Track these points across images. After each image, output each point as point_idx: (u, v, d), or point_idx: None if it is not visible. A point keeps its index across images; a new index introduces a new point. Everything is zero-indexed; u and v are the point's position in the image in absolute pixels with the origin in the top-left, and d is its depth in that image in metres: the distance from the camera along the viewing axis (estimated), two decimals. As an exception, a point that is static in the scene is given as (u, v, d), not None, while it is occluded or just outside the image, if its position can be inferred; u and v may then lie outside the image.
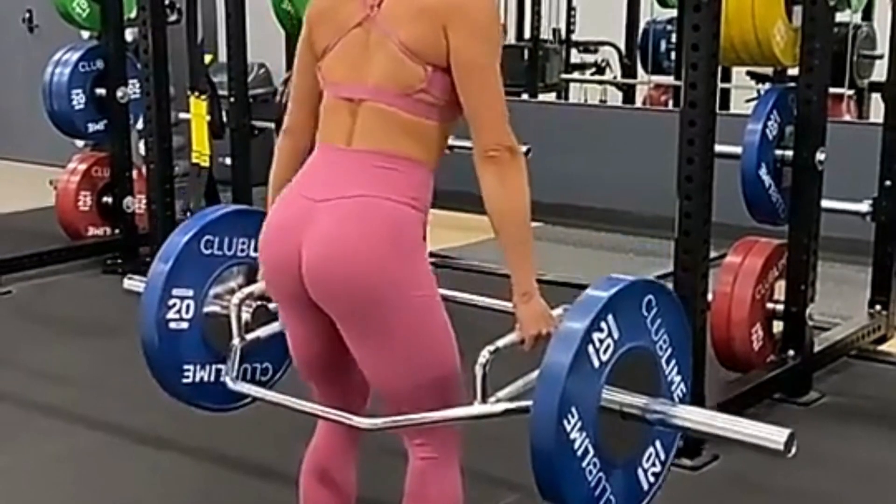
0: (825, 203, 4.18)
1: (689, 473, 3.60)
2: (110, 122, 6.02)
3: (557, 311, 2.38)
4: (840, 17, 5.56)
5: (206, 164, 5.52)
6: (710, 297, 3.85)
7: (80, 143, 6.75)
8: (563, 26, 8.98)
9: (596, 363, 2.19)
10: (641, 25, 8.60)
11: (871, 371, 4.54)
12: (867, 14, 7.49)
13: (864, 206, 4.52)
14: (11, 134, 8.98)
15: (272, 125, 5.59)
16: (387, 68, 2.34)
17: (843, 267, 5.50)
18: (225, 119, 5.86)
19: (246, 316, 2.71)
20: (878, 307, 4.72)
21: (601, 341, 2.19)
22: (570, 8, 8.95)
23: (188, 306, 2.75)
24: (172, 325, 2.74)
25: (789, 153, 4.11)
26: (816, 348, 4.29)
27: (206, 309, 2.78)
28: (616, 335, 2.22)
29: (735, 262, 4.17)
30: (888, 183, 4.55)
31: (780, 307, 4.18)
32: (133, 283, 3.01)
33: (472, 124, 2.32)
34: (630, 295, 2.26)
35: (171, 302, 2.73)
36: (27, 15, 8.73)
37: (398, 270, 2.28)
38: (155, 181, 4.92)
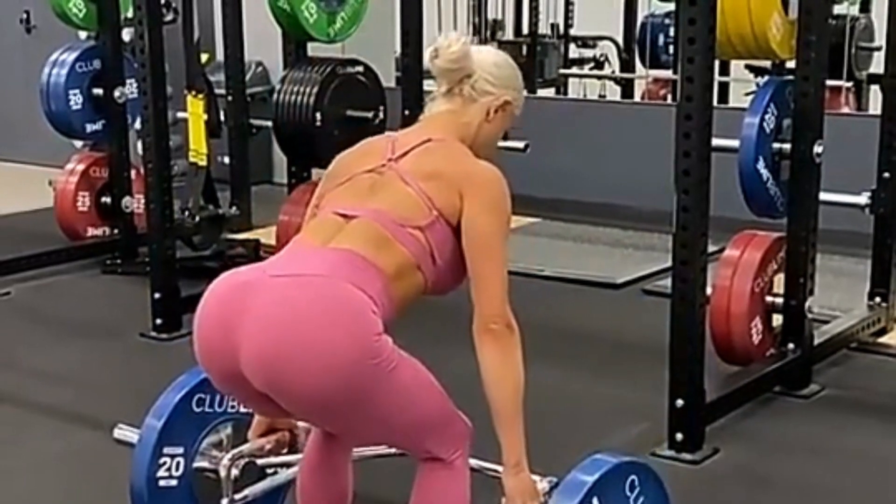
0: (824, 196, 4.17)
1: (691, 467, 3.59)
2: (108, 122, 6.01)
3: (542, 485, 2.45)
4: (838, 8, 5.57)
5: (204, 163, 5.51)
6: (708, 290, 3.85)
7: (78, 143, 6.75)
8: (561, 21, 8.99)
9: None
10: (639, 20, 8.60)
11: (871, 363, 4.53)
12: (865, 6, 7.49)
13: (863, 199, 4.50)
14: (9, 135, 8.97)
15: (270, 124, 5.59)
16: (393, 200, 2.40)
17: (842, 259, 5.49)
18: (222, 118, 5.86)
19: (235, 472, 2.71)
20: (877, 299, 4.72)
21: None
22: (567, 3, 8.97)
23: (178, 464, 2.75)
24: (162, 482, 2.73)
25: (787, 146, 4.10)
26: (816, 341, 4.28)
27: (196, 464, 2.77)
28: None
29: (734, 255, 4.16)
30: (887, 175, 4.54)
31: (780, 300, 4.18)
32: (124, 433, 3.02)
33: (476, 291, 2.38)
34: (614, 477, 2.33)
35: (161, 460, 2.73)
36: (24, 15, 8.72)
37: (355, 350, 2.21)
38: (153, 181, 4.92)
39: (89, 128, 6.05)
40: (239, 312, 2.25)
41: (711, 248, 3.71)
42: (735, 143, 4.08)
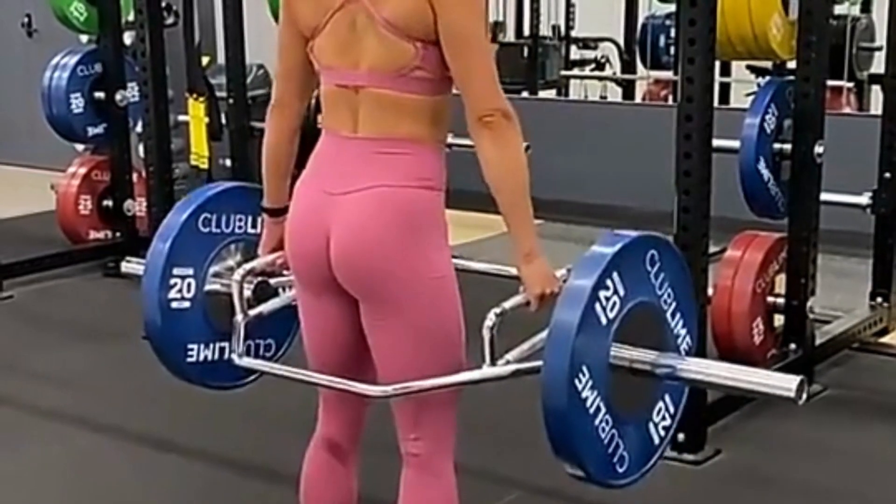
0: (825, 196, 4.17)
1: (692, 468, 3.60)
2: (109, 125, 6.02)
3: (560, 272, 2.38)
4: (839, 9, 5.58)
5: (206, 165, 5.52)
6: (710, 291, 3.85)
7: (79, 146, 6.76)
8: (562, 23, 8.98)
9: (603, 320, 2.19)
10: (640, 21, 8.59)
11: (872, 363, 4.53)
12: (866, 6, 7.49)
13: (864, 199, 4.51)
14: (11, 138, 8.98)
15: (265, 125, 5.58)
16: (377, 51, 2.33)
17: (843, 259, 5.49)
18: (223, 121, 5.87)
19: (247, 292, 2.70)
20: (879, 299, 4.72)
21: (607, 299, 2.20)
22: (568, 4, 8.95)
23: (189, 285, 2.74)
24: (174, 304, 2.73)
25: (788, 146, 4.11)
26: (818, 341, 4.28)
27: (208, 287, 2.76)
28: (622, 292, 2.22)
29: (735, 256, 4.17)
30: (888, 175, 4.54)
31: (781, 301, 4.18)
32: (132, 266, 3.00)
33: (464, 92, 2.31)
34: (633, 251, 2.27)
35: (172, 281, 2.72)
36: (26, 19, 8.73)
37: (413, 257, 2.32)
38: (155, 184, 4.93)
39: (91, 131, 6.06)
40: (322, 227, 2.36)
41: (713, 249, 3.72)
42: (736, 143, 4.09)
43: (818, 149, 4.04)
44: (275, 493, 3.45)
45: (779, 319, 4.23)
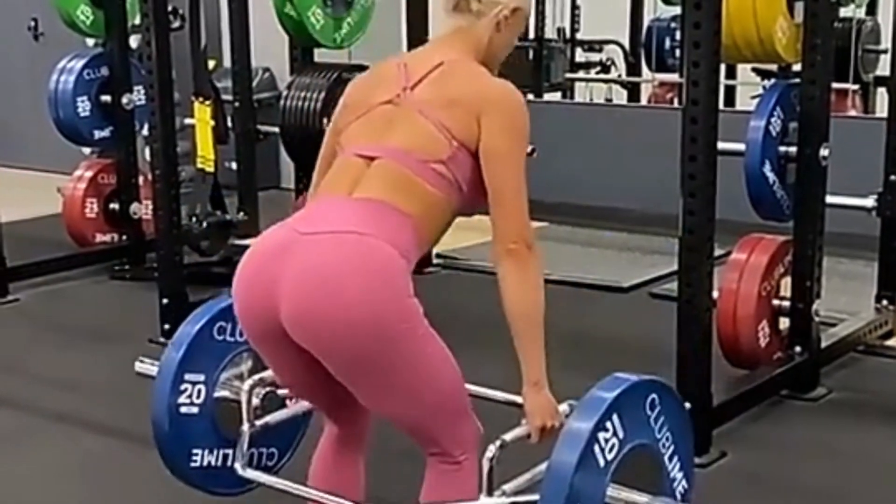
0: (830, 199, 4.18)
1: (698, 471, 3.58)
2: (116, 128, 6.03)
3: (563, 407, 2.45)
4: (844, 11, 5.57)
5: (212, 169, 5.52)
6: (715, 294, 3.85)
7: (86, 150, 6.77)
8: (567, 25, 8.98)
9: (601, 462, 2.22)
10: (645, 23, 8.59)
11: (878, 366, 4.53)
12: (871, 8, 7.49)
13: (870, 202, 4.50)
14: (18, 142, 9.00)
15: (277, 129, 5.60)
16: (412, 136, 2.38)
17: (849, 262, 5.49)
18: (230, 124, 5.87)
19: (256, 401, 2.74)
20: (884, 302, 4.71)
21: (606, 440, 2.23)
22: (574, 7, 8.95)
23: (199, 391, 2.79)
24: (183, 409, 2.77)
25: (793, 149, 4.11)
26: (823, 344, 4.28)
27: (217, 394, 2.80)
28: (621, 434, 2.25)
29: (740, 258, 4.17)
30: (893, 177, 4.53)
31: (787, 303, 4.18)
32: (145, 366, 3.05)
33: (494, 214, 2.37)
34: (634, 394, 2.30)
35: (182, 387, 2.76)
36: (32, 23, 8.75)
37: (389, 309, 2.26)
38: (161, 187, 4.93)
39: (97, 134, 6.07)
40: (277, 273, 2.29)
41: (718, 252, 3.71)
42: (741, 146, 4.09)
43: (823, 151, 4.04)
44: (281, 497, 3.44)
45: (784, 322, 4.23)
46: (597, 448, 2.21)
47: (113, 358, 4.82)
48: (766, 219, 4.22)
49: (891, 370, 4.50)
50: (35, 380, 4.60)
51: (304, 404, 2.77)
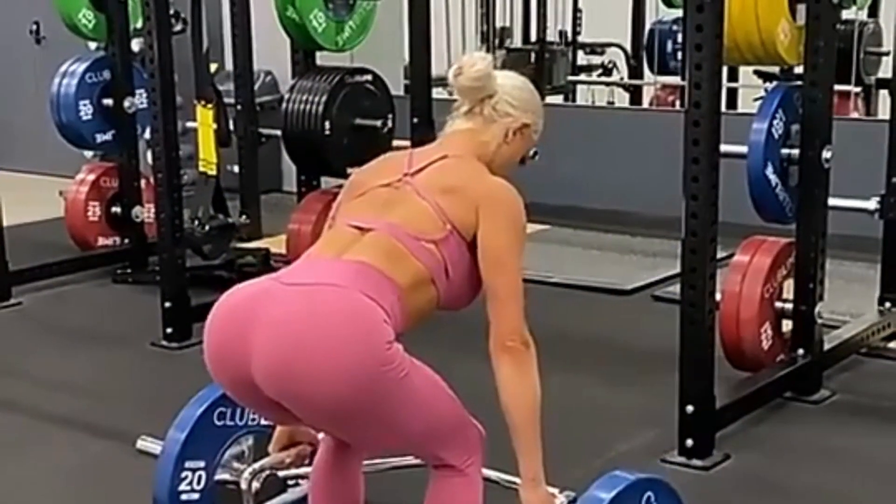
0: (833, 201, 4.17)
1: (701, 473, 3.59)
2: (118, 132, 6.03)
3: (560, 499, 2.49)
4: (846, 14, 5.57)
5: (214, 172, 5.53)
6: (718, 296, 3.85)
7: (88, 153, 6.77)
8: (569, 28, 8.99)
9: None
10: (647, 26, 8.60)
11: (881, 368, 4.52)
12: (873, 10, 7.49)
13: (872, 204, 4.50)
14: (20, 145, 9.00)
15: (279, 133, 5.60)
16: (408, 213, 2.41)
17: (851, 264, 5.49)
18: (232, 127, 5.88)
19: (256, 485, 2.73)
20: (887, 304, 4.71)
21: None
22: (575, 10, 8.96)
23: (200, 477, 2.78)
24: (184, 496, 2.77)
25: (796, 152, 4.10)
26: (826, 346, 4.27)
27: (217, 476, 2.80)
28: None
29: (743, 261, 4.16)
30: (895, 180, 4.53)
31: (789, 306, 4.17)
32: (147, 444, 3.06)
33: (491, 310, 2.39)
34: (631, 493, 2.32)
35: (183, 474, 2.76)
36: (34, 27, 8.75)
37: (369, 358, 2.22)
38: (163, 190, 4.93)
39: (99, 138, 6.07)
40: (250, 321, 2.26)
41: (720, 254, 3.71)
42: (743, 148, 4.08)
43: (826, 154, 4.04)
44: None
45: (787, 325, 4.23)
46: None
47: (115, 361, 4.82)
48: (768, 221, 4.22)
49: (894, 373, 4.50)
50: (37, 383, 4.59)
51: (306, 487, 2.74)
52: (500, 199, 2.44)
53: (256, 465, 2.72)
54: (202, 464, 2.77)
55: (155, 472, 2.80)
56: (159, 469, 2.78)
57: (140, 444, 3.10)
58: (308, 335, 2.21)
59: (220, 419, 2.79)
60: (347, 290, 2.27)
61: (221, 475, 2.80)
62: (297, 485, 2.83)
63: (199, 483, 2.78)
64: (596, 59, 9.21)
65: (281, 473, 2.76)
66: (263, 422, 2.78)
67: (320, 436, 2.66)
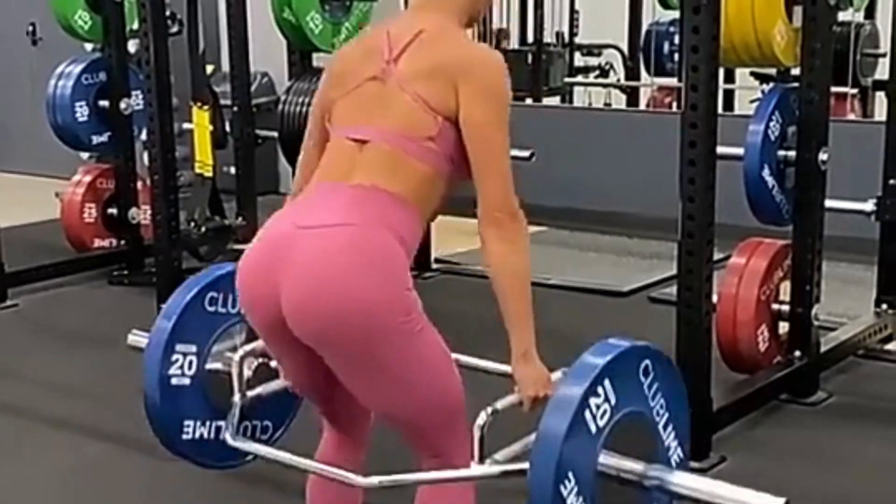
0: (829, 203, 4.17)
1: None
2: (114, 133, 6.03)
3: (556, 374, 2.42)
4: (842, 15, 5.57)
5: (210, 174, 5.53)
6: (714, 298, 3.85)
7: (84, 155, 6.77)
8: (566, 30, 8.98)
9: (593, 428, 2.20)
10: (644, 28, 8.60)
11: (878, 370, 4.52)
12: (870, 12, 7.49)
13: (869, 205, 4.50)
14: (16, 147, 9.00)
15: (275, 134, 5.59)
16: (398, 115, 2.37)
17: (848, 266, 5.49)
18: (228, 129, 5.87)
19: (247, 373, 2.73)
20: (884, 306, 4.71)
21: (598, 406, 2.20)
22: (572, 11, 8.95)
23: (191, 362, 2.77)
24: (174, 380, 2.76)
25: (792, 153, 4.10)
26: (823, 348, 4.27)
27: (209, 366, 2.80)
28: (613, 400, 2.22)
29: (739, 263, 4.16)
30: (892, 181, 4.52)
31: (786, 308, 4.17)
32: (137, 338, 3.04)
33: (478, 186, 2.35)
34: (627, 360, 2.27)
35: (174, 357, 2.75)
36: (30, 28, 8.75)
37: (388, 301, 2.26)
38: (159, 192, 4.93)
39: (95, 139, 6.07)
40: (276, 269, 2.30)
41: (717, 256, 3.71)
42: (740, 150, 4.09)
43: (822, 155, 4.04)
44: (282, 502, 3.45)
45: (784, 327, 4.23)
46: (588, 414, 2.17)
47: (111, 363, 4.81)
48: (765, 223, 4.22)
49: (890, 374, 4.50)
50: (33, 385, 4.59)
51: None
52: (477, 72, 2.36)
53: (247, 348, 2.71)
54: (193, 348, 2.76)
55: (144, 357, 2.77)
56: (149, 353, 2.76)
57: (131, 338, 3.08)
58: (331, 279, 2.25)
59: (211, 304, 2.78)
60: (363, 229, 2.29)
61: (213, 364, 2.79)
62: None
63: (189, 368, 2.76)
64: (593, 61, 9.21)
65: (272, 363, 2.73)
66: None
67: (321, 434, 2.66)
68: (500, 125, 2.36)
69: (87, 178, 6.20)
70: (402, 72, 2.40)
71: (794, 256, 4.15)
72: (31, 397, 4.46)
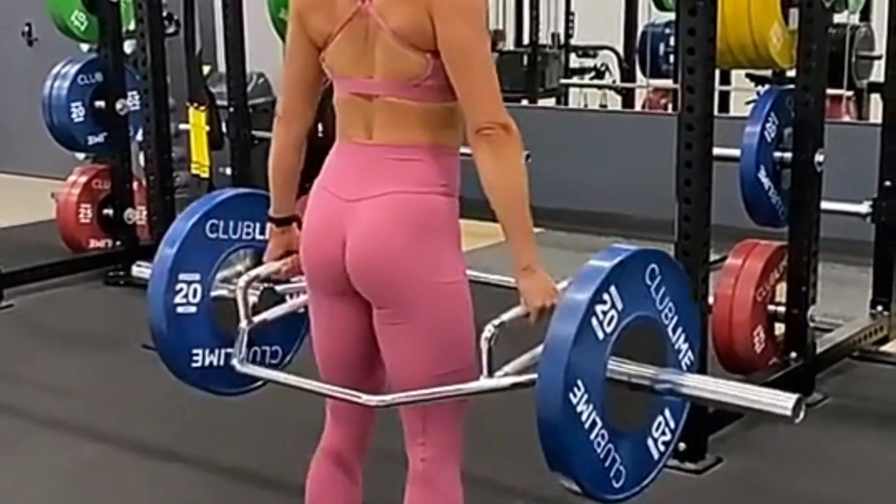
0: (825, 204, 4.18)
1: (693, 476, 3.59)
2: (110, 134, 6.02)
3: (562, 284, 2.36)
4: (838, 17, 5.57)
5: (206, 174, 5.52)
6: (711, 299, 3.85)
7: (80, 155, 6.76)
8: (561, 31, 8.99)
9: (600, 335, 2.18)
10: (640, 29, 8.60)
11: (873, 372, 4.53)
12: (865, 14, 7.49)
13: (864, 207, 4.51)
14: (12, 147, 8.99)
15: (272, 135, 5.59)
16: (389, 60, 2.34)
17: (843, 268, 5.49)
18: (224, 129, 5.87)
19: (253, 299, 2.71)
20: (879, 308, 4.72)
21: (605, 313, 2.18)
22: (568, 13, 8.96)
23: (195, 290, 2.76)
24: (180, 309, 2.75)
25: (788, 155, 4.11)
26: (818, 350, 4.28)
27: (214, 293, 2.79)
28: (620, 306, 2.20)
29: (736, 264, 4.17)
30: (888, 183, 4.54)
31: (782, 309, 4.18)
32: (141, 269, 3.03)
33: (464, 105, 2.31)
34: (633, 265, 2.24)
35: (178, 286, 2.74)
36: (26, 28, 8.74)
37: (427, 262, 2.33)
38: (155, 193, 4.93)
39: (91, 140, 6.06)
40: (338, 232, 2.38)
41: (713, 258, 3.72)
42: (736, 152, 4.09)
43: (818, 157, 4.05)
44: (283, 502, 3.45)
45: (780, 328, 4.23)
46: (594, 321, 2.16)
47: (107, 364, 4.82)
48: (761, 224, 4.23)
49: (886, 376, 4.51)
50: (29, 386, 4.59)
51: (304, 299, 2.69)
52: None
53: (252, 273, 2.69)
54: (197, 276, 2.75)
55: (149, 287, 2.76)
56: (153, 283, 2.75)
57: (135, 270, 3.09)
58: (381, 238, 2.33)
59: (212, 231, 2.77)
60: (409, 196, 2.34)
61: (218, 291, 2.78)
62: (297, 296, 2.79)
63: (195, 296, 2.75)
64: (588, 62, 9.21)
65: (279, 288, 2.73)
66: (258, 236, 2.76)
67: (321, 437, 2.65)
68: (481, 45, 2.32)
69: (83, 179, 6.19)
70: (377, 5, 2.33)
71: (790, 258, 4.15)
72: (26, 398, 4.46)
